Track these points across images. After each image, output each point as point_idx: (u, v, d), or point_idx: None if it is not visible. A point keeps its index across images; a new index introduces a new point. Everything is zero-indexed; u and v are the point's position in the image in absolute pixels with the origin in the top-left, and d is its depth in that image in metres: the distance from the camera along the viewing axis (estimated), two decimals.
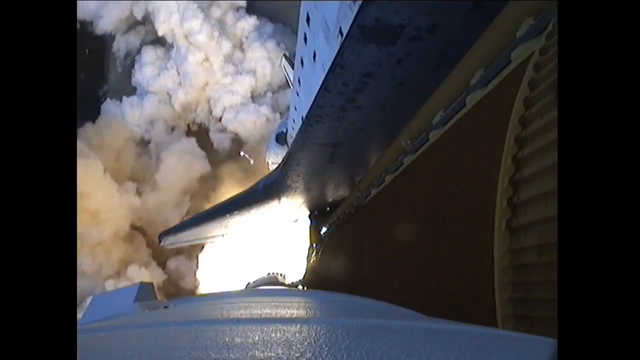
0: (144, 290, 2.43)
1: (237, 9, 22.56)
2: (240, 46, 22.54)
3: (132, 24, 23.04)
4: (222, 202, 13.16)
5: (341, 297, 2.56)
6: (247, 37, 22.31)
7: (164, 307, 2.16)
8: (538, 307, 1.85)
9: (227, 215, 11.68)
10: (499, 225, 2.09)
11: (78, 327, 1.16)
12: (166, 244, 14.80)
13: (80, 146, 17.64)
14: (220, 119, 22.62)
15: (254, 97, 22.40)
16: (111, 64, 23.35)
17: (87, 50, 21.83)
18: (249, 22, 22.36)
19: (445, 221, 3.01)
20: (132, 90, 22.86)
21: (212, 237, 14.27)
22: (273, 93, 22.56)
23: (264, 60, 22.09)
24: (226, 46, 21.99)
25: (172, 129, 22.91)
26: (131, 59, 23.14)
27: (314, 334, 0.93)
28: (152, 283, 2.67)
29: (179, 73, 22.22)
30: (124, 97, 22.54)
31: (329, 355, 0.75)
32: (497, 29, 2.72)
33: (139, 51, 22.96)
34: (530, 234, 1.92)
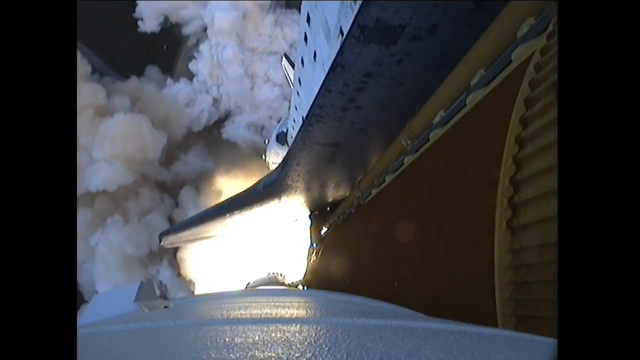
0: (145, 290, 2.42)
1: (250, 49, 24.33)
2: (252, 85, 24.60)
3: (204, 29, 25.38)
4: (222, 201, 13.11)
5: (341, 297, 2.56)
6: (253, 86, 24.39)
7: (164, 307, 2.15)
8: (538, 307, 1.85)
9: (227, 215, 11.64)
10: (499, 225, 2.09)
11: (78, 326, 1.15)
12: (166, 243, 14.74)
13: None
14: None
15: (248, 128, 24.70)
16: (181, 60, 26.14)
17: (164, 46, 25.54)
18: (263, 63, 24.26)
19: (445, 221, 3.01)
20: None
21: (212, 236, 14.23)
22: (262, 130, 24.46)
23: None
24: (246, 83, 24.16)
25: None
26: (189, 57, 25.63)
27: (314, 334, 0.93)
28: (152, 283, 2.67)
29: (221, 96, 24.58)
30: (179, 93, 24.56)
31: (329, 355, 0.75)
32: (498, 29, 2.72)
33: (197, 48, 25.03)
34: (531, 233, 1.92)
